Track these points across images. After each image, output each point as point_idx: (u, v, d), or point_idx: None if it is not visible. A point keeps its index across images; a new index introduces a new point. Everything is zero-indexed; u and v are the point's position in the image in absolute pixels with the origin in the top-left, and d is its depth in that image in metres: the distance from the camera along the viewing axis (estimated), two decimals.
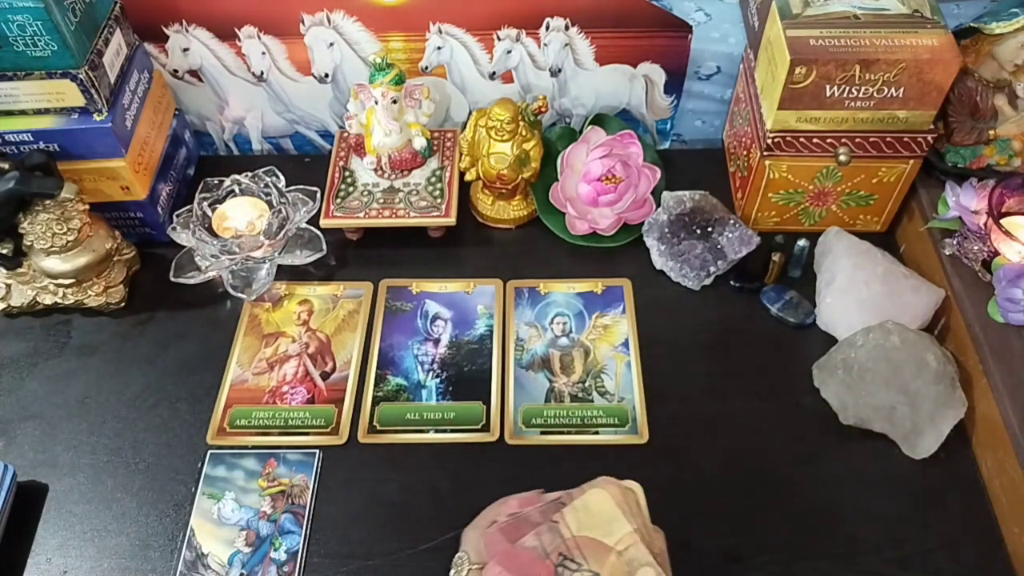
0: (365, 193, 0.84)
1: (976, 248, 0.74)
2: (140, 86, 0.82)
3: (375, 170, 0.85)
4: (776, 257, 0.79)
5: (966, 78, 0.76)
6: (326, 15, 0.84)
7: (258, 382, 0.76)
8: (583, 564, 0.52)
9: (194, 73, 0.90)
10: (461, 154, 0.86)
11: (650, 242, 0.83)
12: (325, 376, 0.76)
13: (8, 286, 0.80)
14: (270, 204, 0.80)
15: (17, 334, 0.80)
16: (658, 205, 0.84)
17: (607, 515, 0.54)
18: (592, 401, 0.74)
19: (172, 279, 0.79)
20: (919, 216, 0.81)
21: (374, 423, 0.73)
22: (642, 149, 0.84)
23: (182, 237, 0.79)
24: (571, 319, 0.80)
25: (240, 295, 0.80)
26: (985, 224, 0.73)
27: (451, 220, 0.83)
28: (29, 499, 0.68)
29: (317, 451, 0.71)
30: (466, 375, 0.76)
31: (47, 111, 0.75)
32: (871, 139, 0.75)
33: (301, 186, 0.83)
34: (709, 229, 0.82)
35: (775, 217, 0.85)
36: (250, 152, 0.99)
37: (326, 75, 0.90)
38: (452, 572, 0.57)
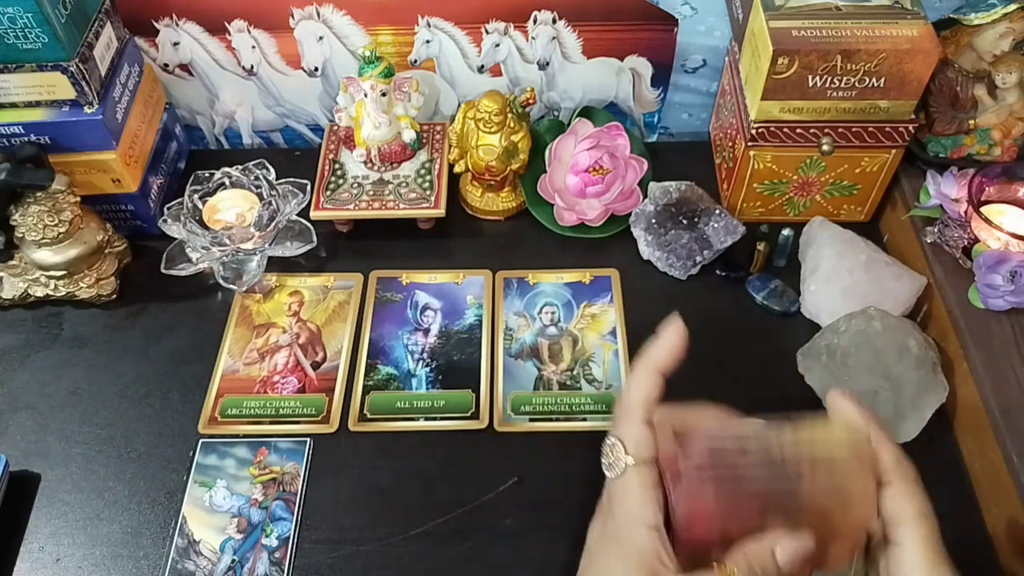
0: (355, 185, 0.85)
1: (957, 235, 0.75)
2: (131, 80, 0.83)
3: (365, 162, 0.86)
4: (761, 247, 0.80)
5: (946, 68, 0.77)
6: (315, 9, 0.85)
7: (249, 372, 0.76)
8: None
9: (184, 67, 0.91)
10: (450, 146, 0.87)
11: (637, 232, 0.84)
12: (316, 366, 0.77)
13: None
14: (260, 196, 0.81)
15: (9, 326, 0.80)
16: (645, 196, 0.85)
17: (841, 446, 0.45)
18: (580, 389, 0.75)
19: (163, 271, 0.80)
20: (902, 205, 0.82)
21: (364, 411, 0.73)
22: (629, 141, 0.85)
23: (173, 229, 0.79)
24: (559, 308, 0.81)
25: (231, 286, 0.81)
26: (965, 212, 0.74)
27: (440, 212, 0.83)
28: (21, 488, 0.69)
29: (308, 439, 0.71)
30: (455, 364, 0.76)
31: (38, 104, 0.75)
32: (853, 129, 0.76)
33: (291, 179, 0.84)
34: (695, 219, 0.83)
35: (760, 207, 0.86)
36: (240, 147, 1.00)
37: (316, 69, 0.91)
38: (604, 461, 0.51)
